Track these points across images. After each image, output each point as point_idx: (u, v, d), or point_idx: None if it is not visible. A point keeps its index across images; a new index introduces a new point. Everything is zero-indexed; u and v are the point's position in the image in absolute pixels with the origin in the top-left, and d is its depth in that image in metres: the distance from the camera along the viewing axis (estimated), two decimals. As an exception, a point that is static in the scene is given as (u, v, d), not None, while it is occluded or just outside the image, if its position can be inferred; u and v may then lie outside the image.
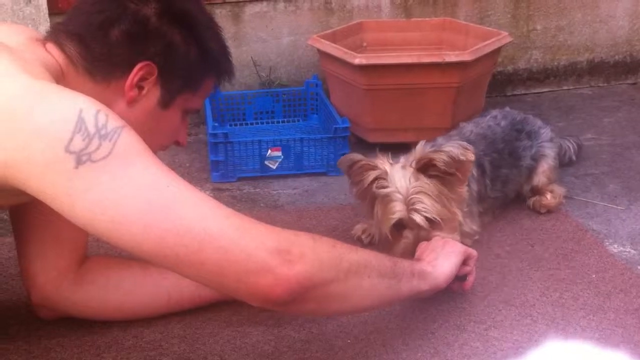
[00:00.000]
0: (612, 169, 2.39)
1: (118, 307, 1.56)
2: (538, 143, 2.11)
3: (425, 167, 1.73)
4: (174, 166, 2.44)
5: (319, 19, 2.89)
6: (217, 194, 2.26)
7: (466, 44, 2.63)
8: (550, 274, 1.80)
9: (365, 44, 2.80)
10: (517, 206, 2.12)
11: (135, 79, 1.33)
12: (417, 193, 1.71)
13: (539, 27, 3.10)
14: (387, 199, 1.74)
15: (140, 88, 1.35)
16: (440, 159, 1.71)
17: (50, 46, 1.34)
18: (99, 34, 1.32)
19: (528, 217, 2.08)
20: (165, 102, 1.39)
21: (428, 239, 1.70)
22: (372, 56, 2.54)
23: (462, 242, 1.81)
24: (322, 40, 2.58)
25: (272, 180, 2.35)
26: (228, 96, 2.67)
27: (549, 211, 2.09)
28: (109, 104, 1.26)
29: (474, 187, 1.91)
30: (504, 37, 2.62)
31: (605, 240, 1.96)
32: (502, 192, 2.04)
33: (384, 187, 1.75)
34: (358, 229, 1.98)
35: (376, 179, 1.76)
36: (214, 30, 1.42)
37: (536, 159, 2.10)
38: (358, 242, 1.95)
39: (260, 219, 2.03)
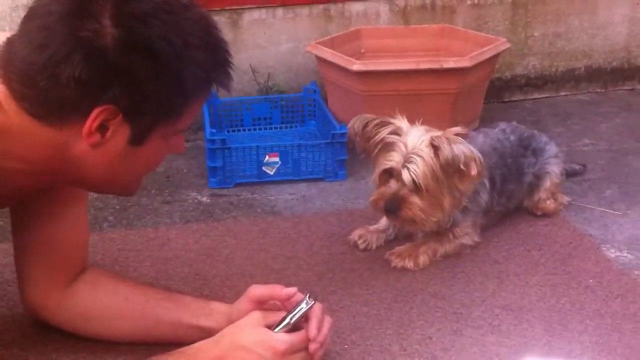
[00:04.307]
0: (609, 174, 2.39)
1: (99, 333, 1.53)
2: (543, 160, 2.10)
3: (437, 149, 1.74)
4: (172, 172, 2.44)
5: (317, 25, 2.89)
6: (215, 200, 2.26)
7: (464, 50, 2.63)
8: (548, 278, 1.80)
9: (363, 51, 2.81)
10: (515, 211, 2.11)
11: (94, 125, 1.14)
12: (418, 155, 1.74)
13: (536, 33, 3.11)
14: (390, 147, 1.78)
15: (104, 128, 1.16)
16: (445, 152, 1.71)
17: None
18: (45, 74, 1.11)
19: (525, 222, 2.08)
20: (138, 140, 1.20)
21: (405, 199, 1.74)
22: (370, 62, 2.54)
23: (462, 253, 1.84)
24: (321, 46, 2.59)
25: (269, 186, 2.35)
26: (226, 102, 2.67)
27: (546, 215, 2.09)
28: (65, 146, 1.19)
29: (484, 197, 1.92)
30: (502, 44, 2.63)
31: (603, 245, 1.95)
32: (506, 206, 2.04)
33: (394, 135, 1.78)
34: (355, 234, 1.97)
35: (391, 132, 1.79)
36: (197, 44, 1.17)
37: (539, 176, 2.09)
38: (354, 247, 1.94)
39: (257, 225, 2.07)
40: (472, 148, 1.74)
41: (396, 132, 1.79)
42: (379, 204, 1.80)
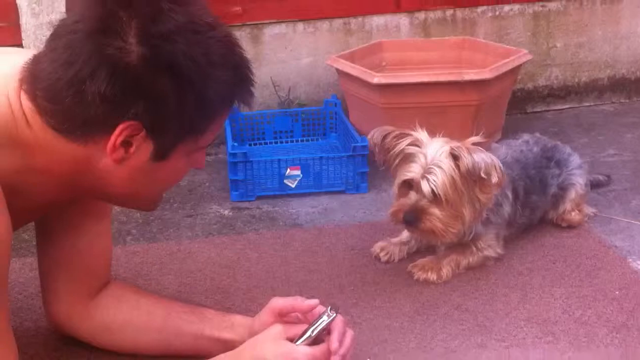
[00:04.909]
0: (634, 185, 2.36)
1: (122, 346, 1.54)
2: (568, 171, 2.08)
3: (457, 159, 1.73)
4: (194, 185, 2.45)
5: (338, 39, 2.90)
6: (237, 213, 2.27)
7: (486, 62, 2.62)
8: (573, 290, 1.77)
9: (384, 64, 2.81)
10: (539, 223, 2.09)
11: (118, 141, 1.16)
12: (437, 166, 1.73)
13: (558, 44, 3.09)
14: (410, 158, 1.78)
15: (128, 144, 1.18)
16: (465, 161, 1.70)
17: (23, 89, 1.19)
18: (71, 90, 1.12)
19: (550, 233, 2.06)
20: (161, 155, 1.21)
21: (424, 211, 1.74)
22: (390, 75, 2.54)
23: (485, 265, 1.84)
24: (341, 60, 2.59)
25: (291, 198, 2.35)
26: (247, 116, 2.68)
27: (571, 226, 2.07)
28: (89, 161, 1.20)
29: (507, 209, 1.91)
30: (523, 55, 2.61)
31: (629, 256, 1.93)
32: (529, 218, 2.03)
33: (414, 146, 1.78)
34: (377, 247, 1.97)
35: (411, 143, 1.79)
36: (221, 63, 1.18)
37: (564, 187, 2.07)
38: (376, 259, 1.94)
39: (279, 237, 2.07)
40: (492, 156, 1.73)
41: (416, 144, 1.79)
42: (399, 216, 1.79)
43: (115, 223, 2.14)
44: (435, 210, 1.75)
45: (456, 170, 1.73)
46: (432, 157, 1.75)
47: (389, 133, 1.81)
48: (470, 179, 1.73)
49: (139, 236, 2.13)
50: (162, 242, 2.09)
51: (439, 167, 1.73)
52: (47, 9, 2.58)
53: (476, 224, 1.86)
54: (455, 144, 1.76)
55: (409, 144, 1.79)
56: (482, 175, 1.70)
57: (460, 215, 1.77)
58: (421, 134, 1.81)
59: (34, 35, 2.60)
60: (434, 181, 1.73)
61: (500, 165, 1.72)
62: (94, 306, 1.54)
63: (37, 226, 1.55)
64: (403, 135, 1.80)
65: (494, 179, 1.70)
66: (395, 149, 1.79)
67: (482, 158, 1.70)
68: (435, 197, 1.74)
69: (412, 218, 1.77)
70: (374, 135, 1.83)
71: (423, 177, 1.74)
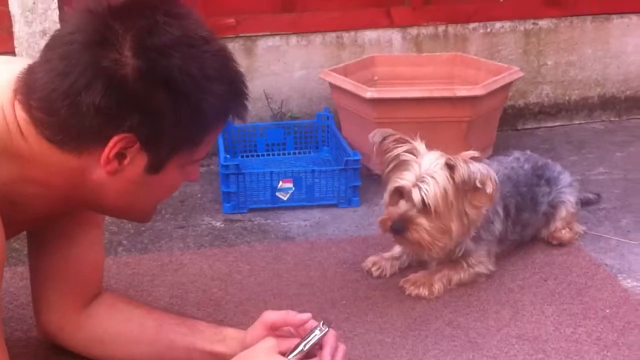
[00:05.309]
0: (625, 203, 2.37)
1: (113, 357, 1.53)
2: (558, 189, 2.09)
3: (452, 169, 1.74)
4: (186, 197, 2.45)
5: (330, 53, 2.91)
6: (229, 225, 2.27)
7: (477, 78, 2.64)
8: (564, 308, 1.78)
9: (376, 78, 2.82)
10: (530, 240, 2.10)
11: (112, 153, 1.16)
12: (431, 177, 1.74)
13: (549, 62, 3.11)
14: (404, 165, 1.79)
15: (122, 156, 1.18)
16: (461, 171, 1.71)
17: (17, 99, 1.19)
18: (66, 101, 1.13)
19: (541, 251, 2.07)
20: (155, 168, 1.22)
21: (412, 220, 1.74)
22: (383, 90, 2.56)
23: (477, 281, 1.86)
24: (334, 74, 2.60)
25: (283, 211, 2.35)
26: (240, 128, 2.68)
27: (561, 244, 2.08)
28: (83, 173, 1.20)
29: (498, 226, 1.92)
30: (515, 72, 2.63)
31: (619, 275, 1.94)
32: (521, 235, 2.03)
33: (409, 154, 1.79)
34: (369, 261, 1.97)
35: (408, 150, 1.80)
36: (216, 77, 1.18)
37: (555, 205, 2.08)
38: (368, 274, 1.94)
39: (271, 250, 2.06)
40: (487, 167, 1.74)
41: (412, 152, 1.80)
42: (387, 224, 1.79)
43: (107, 234, 2.13)
44: (423, 221, 1.75)
45: (449, 182, 1.74)
46: (426, 167, 1.76)
47: (389, 135, 1.82)
48: (463, 192, 1.74)
49: (131, 247, 2.12)
50: (154, 253, 2.08)
51: (432, 177, 1.74)
52: (40, 17, 2.58)
53: (465, 241, 1.87)
54: (447, 155, 1.77)
55: (406, 151, 1.80)
56: (478, 184, 1.71)
57: (447, 230, 1.77)
58: (419, 145, 1.82)
59: (26, 43, 2.59)
60: (426, 190, 1.73)
61: (495, 176, 1.73)
62: (86, 317, 1.53)
63: (29, 235, 1.54)
64: (402, 141, 1.82)
65: (489, 189, 1.71)
66: (392, 153, 1.81)
67: (477, 168, 1.72)
68: (424, 208, 1.75)
69: (400, 227, 1.77)
70: (375, 135, 1.85)
71: (415, 185, 1.75)
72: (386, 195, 1.84)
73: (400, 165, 1.81)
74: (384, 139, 1.83)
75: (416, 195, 1.75)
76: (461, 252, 1.88)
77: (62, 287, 1.52)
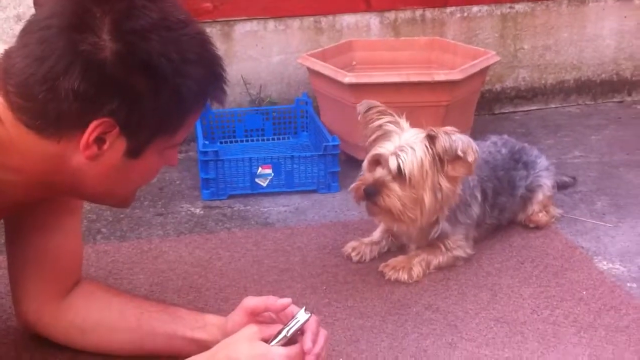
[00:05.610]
0: (600, 186, 2.41)
1: (94, 346, 1.53)
2: (535, 173, 2.12)
3: (434, 140, 1.76)
4: (165, 184, 2.44)
5: (308, 37, 2.90)
6: (208, 212, 2.26)
7: (455, 63, 2.65)
8: (541, 291, 1.81)
9: (354, 63, 2.82)
10: (507, 224, 2.12)
11: (91, 138, 1.15)
12: (410, 147, 1.76)
13: (526, 46, 3.13)
14: (385, 135, 1.83)
15: (101, 141, 1.17)
16: (442, 140, 1.73)
17: None
18: (44, 86, 1.11)
19: (518, 234, 2.09)
20: (135, 152, 1.21)
21: (385, 185, 1.76)
22: (361, 75, 2.56)
23: (455, 265, 1.88)
24: (312, 58, 2.59)
25: (262, 197, 2.35)
26: (218, 114, 2.67)
27: (538, 227, 2.10)
28: (62, 159, 1.19)
29: (476, 210, 1.94)
30: (492, 57, 2.64)
31: (595, 257, 1.97)
32: (498, 219, 2.06)
33: (392, 124, 1.83)
34: (348, 247, 1.98)
35: (391, 121, 1.83)
36: (195, 60, 1.18)
37: (532, 189, 2.11)
38: (348, 259, 1.95)
39: (251, 237, 2.07)
40: (467, 137, 1.76)
41: (394, 122, 1.83)
42: (360, 190, 1.81)
43: (85, 221, 2.12)
44: (396, 187, 1.77)
45: (427, 154, 1.76)
46: (406, 138, 1.79)
47: (374, 107, 1.86)
48: (441, 164, 1.76)
49: (109, 235, 2.11)
50: (133, 240, 2.07)
51: (412, 147, 1.77)
52: (14, 1, 2.54)
53: (441, 222, 1.89)
54: (429, 128, 1.80)
55: (389, 122, 1.83)
56: (459, 153, 1.72)
57: (420, 200, 1.78)
58: (402, 121, 1.85)
59: (0, 28, 2.55)
60: (404, 158, 1.76)
61: (475, 145, 1.75)
62: (65, 305, 1.52)
63: (6, 223, 1.52)
64: (386, 113, 1.85)
65: (470, 157, 1.73)
66: (375, 123, 1.84)
67: (459, 137, 1.74)
68: (400, 176, 1.77)
69: (372, 191, 1.78)
70: (361, 106, 1.88)
71: (393, 154, 1.78)
72: (365, 163, 1.87)
73: (383, 136, 1.84)
74: (369, 109, 1.86)
75: (393, 163, 1.77)
76: (437, 234, 1.90)
77: (40, 275, 1.51)
